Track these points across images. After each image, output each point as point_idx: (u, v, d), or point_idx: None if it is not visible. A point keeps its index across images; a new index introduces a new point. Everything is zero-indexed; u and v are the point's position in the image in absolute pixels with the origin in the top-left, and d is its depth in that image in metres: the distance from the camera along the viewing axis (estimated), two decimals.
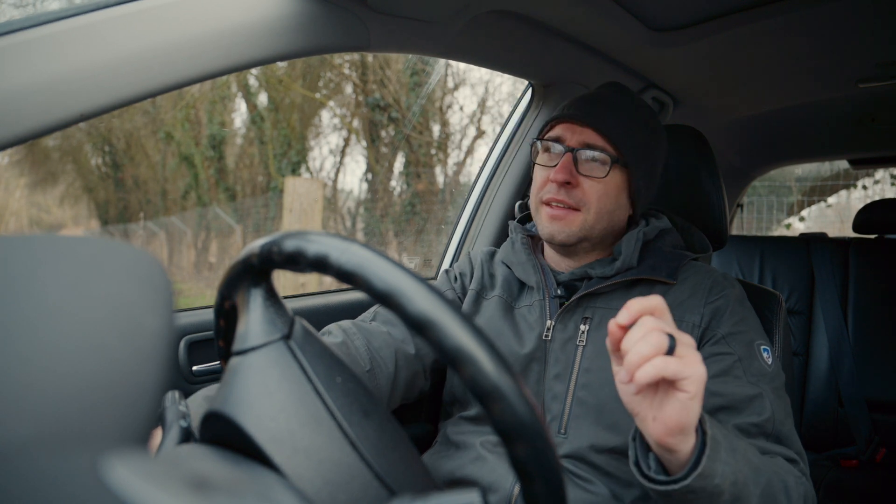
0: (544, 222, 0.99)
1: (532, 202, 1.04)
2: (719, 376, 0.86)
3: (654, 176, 1.03)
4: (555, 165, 0.97)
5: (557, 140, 0.99)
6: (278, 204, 7.70)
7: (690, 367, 0.58)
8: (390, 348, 0.99)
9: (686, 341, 0.60)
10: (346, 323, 1.00)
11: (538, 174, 1.03)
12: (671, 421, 0.60)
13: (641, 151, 0.98)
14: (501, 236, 1.52)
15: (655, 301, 0.61)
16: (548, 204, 0.98)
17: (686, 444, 0.63)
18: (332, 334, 0.96)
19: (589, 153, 0.96)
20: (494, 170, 1.54)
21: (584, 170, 0.96)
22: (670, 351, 0.58)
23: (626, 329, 0.61)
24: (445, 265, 1.60)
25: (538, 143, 1.03)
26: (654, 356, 0.58)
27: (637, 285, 0.98)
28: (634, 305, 0.61)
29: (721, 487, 0.64)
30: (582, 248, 1.01)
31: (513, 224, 1.14)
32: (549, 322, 0.99)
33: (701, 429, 0.65)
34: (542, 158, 1.02)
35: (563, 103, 1.04)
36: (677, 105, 1.71)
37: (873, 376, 1.86)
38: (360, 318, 1.06)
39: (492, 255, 1.17)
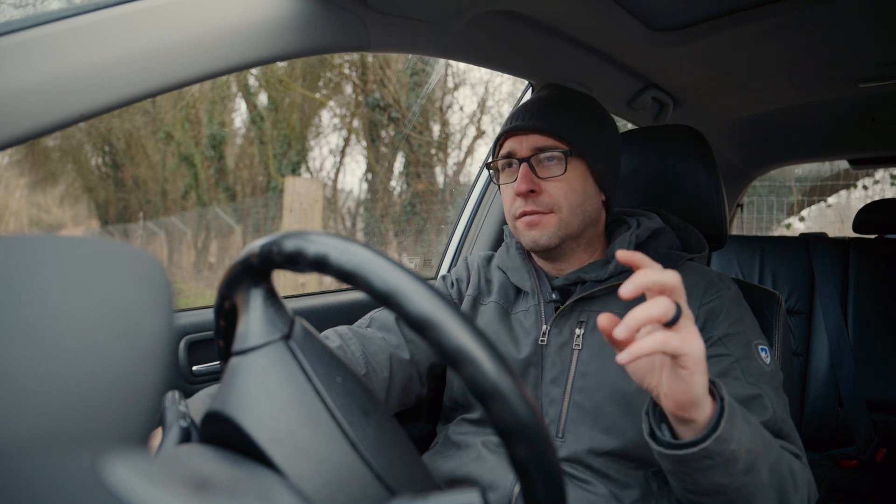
0: (523, 233, 1.00)
1: (508, 223, 1.05)
2: (718, 378, 0.86)
3: (612, 159, 1.03)
4: (516, 179, 0.98)
5: (509, 155, 1.00)
6: (278, 204, 7.71)
7: (690, 343, 0.59)
8: (385, 353, 0.99)
9: (689, 316, 0.61)
10: (342, 328, 1.01)
11: (505, 194, 1.03)
12: (678, 396, 0.62)
13: (590, 136, 0.99)
14: (500, 239, 1.52)
15: (671, 279, 0.59)
16: (521, 217, 0.99)
17: (702, 414, 0.63)
18: (329, 339, 0.96)
19: (542, 155, 0.97)
20: None
21: (544, 173, 0.97)
22: (673, 321, 0.58)
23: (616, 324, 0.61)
24: (444, 269, 1.60)
25: (497, 163, 1.03)
26: (659, 318, 0.58)
27: None
28: (641, 278, 0.58)
29: (737, 454, 0.65)
30: (568, 248, 1.01)
31: (507, 228, 1.13)
32: (544, 327, 0.99)
33: (718, 395, 0.66)
34: (503, 178, 1.03)
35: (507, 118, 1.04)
36: (677, 105, 1.71)
37: (873, 376, 1.86)
38: (355, 324, 1.06)
39: (488, 259, 1.17)
